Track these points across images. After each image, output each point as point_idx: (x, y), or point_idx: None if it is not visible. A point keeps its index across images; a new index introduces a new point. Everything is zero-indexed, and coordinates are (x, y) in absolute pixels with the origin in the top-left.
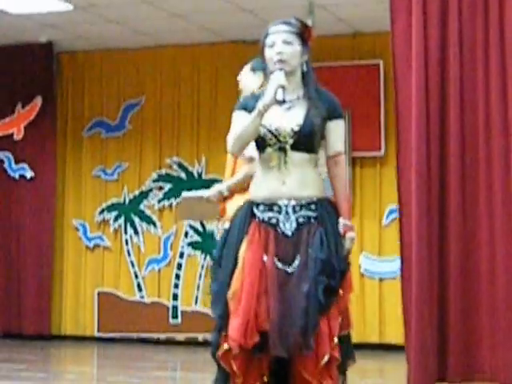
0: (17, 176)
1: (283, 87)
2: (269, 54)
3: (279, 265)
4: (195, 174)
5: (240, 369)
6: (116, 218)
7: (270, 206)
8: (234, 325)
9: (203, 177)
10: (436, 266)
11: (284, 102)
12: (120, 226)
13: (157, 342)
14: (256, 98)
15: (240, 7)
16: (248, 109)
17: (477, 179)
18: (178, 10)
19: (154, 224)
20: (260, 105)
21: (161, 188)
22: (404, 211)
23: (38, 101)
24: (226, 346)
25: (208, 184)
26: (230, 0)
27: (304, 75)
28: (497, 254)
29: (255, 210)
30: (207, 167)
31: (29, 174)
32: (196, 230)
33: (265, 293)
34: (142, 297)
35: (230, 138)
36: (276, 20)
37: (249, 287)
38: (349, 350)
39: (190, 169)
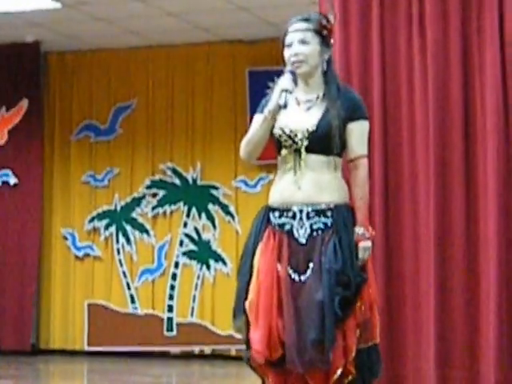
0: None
1: (287, 91)
2: (286, 54)
3: (292, 274)
4: (190, 181)
5: (275, 381)
6: (107, 227)
7: (284, 211)
8: (257, 337)
9: (198, 183)
10: None
11: (286, 106)
12: (111, 234)
13: (151, 356)
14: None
15: (236, 5)
16: None
17: (402, 201)
18: (171, 8)
19: (147, 232)
20: (265, 110)
21: (154, 195)
22: None
23: (24, 104)
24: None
25: (202, 191)
26: None
27: (325, 74)
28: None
29: (271, 216)
30: (202, 173)
31: (12, 180)
32: (192, 239)
33: (280, 303)
34: (135, 308)
35: (242, 144)
36: (293, 17)
37: (265, 297)
38: (372, 364)
39: (185, 175)
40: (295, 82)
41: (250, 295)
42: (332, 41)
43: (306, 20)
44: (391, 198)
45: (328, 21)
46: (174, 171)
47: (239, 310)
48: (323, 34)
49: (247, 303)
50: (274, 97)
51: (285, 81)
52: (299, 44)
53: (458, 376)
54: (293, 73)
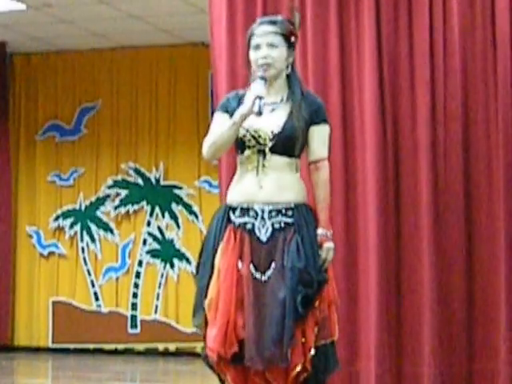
0: None
1: (261, 98)
2: (254, 56)
3: (254, 272)
4: (153, 180)
5: (235, 380)
6: (72, 225)
7: (245, 210)
8: (212, 334)
9: (161, 183)
10: None
11: (261, 113)
12: (76, 233)
13: (115, 353)
14: (239, 98)
15: (199, 8)
16: (229, 111)
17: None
18: (134, 10)
19: (112, 231)
20: (237, 115)
21: (117, 194)
22: None
23: None
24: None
25: (166, 191)
26: (188, 1)
27: (289, 77)
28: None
29: (231, 215)
30: (165, 173)
31: None
32: (155, 238)
33: (240, 301)
34: (99, 306)
35: (205, 144)
36: (261, 18)
37: (225, 295)
38: (328, 360)
39: (148, 175)
40: (267, 86)
41: (210, 294)
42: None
43: (273, 23)
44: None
45: (293, 24)
46: (137, 171)
47: (199, 309)
48: (290, 38)
49: (206, 302)
50: (247, 103)
51: (258, 87)
52: (268, 47)
53: None
54: (264, 78)
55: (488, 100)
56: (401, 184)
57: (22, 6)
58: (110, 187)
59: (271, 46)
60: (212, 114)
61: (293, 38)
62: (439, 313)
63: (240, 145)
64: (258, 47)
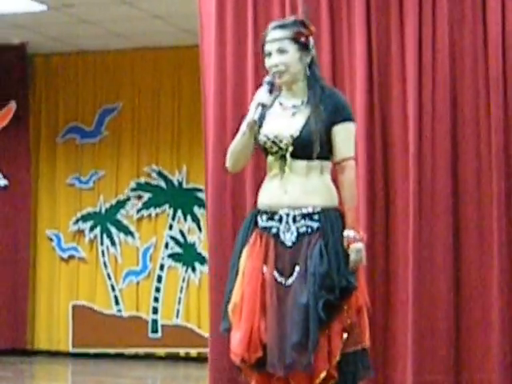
0: None
1: (264, 106)
2: (267, 64)
3: (278, 277)
4: (175, 183)
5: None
6: (92, 228)
7: (271, 214)
8: (236, 339)
9: (184, 186)
10: None
11: (260, 122)
12: (96, 236)
13: (135, 358)
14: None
15: None
16: None
17: None
18: (157, 11)
19: (132, 234)
20: (244, 124)
21: (140, 197)
22: None
23: (13, 106)
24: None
25: (188, 194)
26: None
27: (308, 79)
28: None
29: (258, 219)
30: (188, 176)
31: (2, 182)
32: (177, 242)
33: (264, 306)
34: (120, 310)
35: (227, 155)
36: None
37: (249, 299)
38: (357, 368)
39: (170, 177)
40: (274, 90)
41: (234, 298)
42: (312, 43)
43: (282, 27)
44: None
45: (304, 25)
46: (160, 174)
47: (226, 313)
48: (300, 40)
49: (230, 305)
50: (251, 111)
51: (262, 94)
52: (277, 54)
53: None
54: (271, 83)
55: (478, 96)
56: (389, 182)
57: (43, 7)
58: (132, 190)
59: (281, 51)
60: None
61: (303, 39)
62: (422, 322)
63: (264, 151)
64: (269, 55)
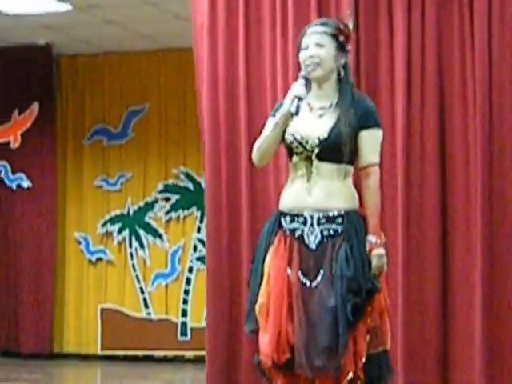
0: (14, 186)
1: (300, 98)
2: (302, 56)
3: (303, 279)
4: (203, 185)
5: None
6: (120, 231)
7: (295, 216)
8: (265, 340)
9: None
10: None
11: (297, 114)
12: (124, 238)
13: (164, 360)
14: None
15: None
16: None
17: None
18: (183, 12)
19: (161, 237)
20: (277, 115)
21: (167, 199)
22: None
23: (36, 107)
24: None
25: None
26: None
27: (339, 80)
28: None
29: (282, 220)
30: None
31: (26, 183)
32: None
33: (291, 307)
34: (149, 313)
35: (254, 148)
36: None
37: (275, 301)
38: (381, 370)
39: (198, 179)
40: (309, 87)
41: (261, 299)
42: (349, 47)
43: (324, 24)
44: None
45: (346, 26)
46: (187, 176)
47: (251, 314)
48: (340, 38)
49: (257, 306)
50: (287, 102)
51: (298, 87)
52: (315, 47)
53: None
54: (306, 78)
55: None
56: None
57: (69, 7)
58: (160, 192)
59: (319, 45)
60: None
61: (342, 38)
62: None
63: (289, 151)
64: (306, 47)
